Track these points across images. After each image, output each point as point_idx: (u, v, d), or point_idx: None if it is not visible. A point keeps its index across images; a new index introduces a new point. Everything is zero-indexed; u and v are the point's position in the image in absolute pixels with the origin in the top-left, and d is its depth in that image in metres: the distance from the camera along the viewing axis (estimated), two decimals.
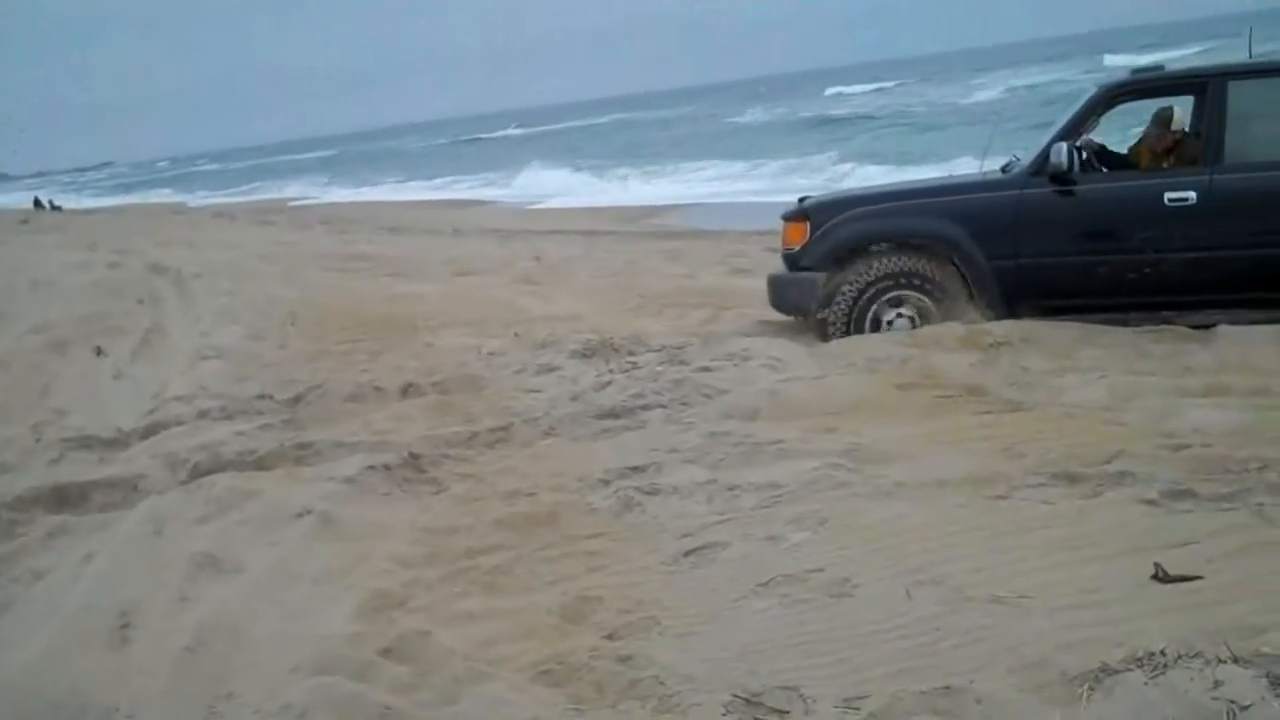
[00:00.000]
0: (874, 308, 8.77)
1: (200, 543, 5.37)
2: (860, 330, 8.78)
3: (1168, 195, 8.17)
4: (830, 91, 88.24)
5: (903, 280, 8.70)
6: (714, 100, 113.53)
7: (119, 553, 5.44)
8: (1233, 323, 7.86)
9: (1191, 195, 8.11)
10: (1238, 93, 8.28)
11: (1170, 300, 8.26)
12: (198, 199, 65.52)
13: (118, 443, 7.53)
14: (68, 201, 67.58)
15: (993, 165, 9.63)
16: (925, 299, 8.67)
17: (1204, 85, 8.56)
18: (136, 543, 5.54)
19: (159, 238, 25.51)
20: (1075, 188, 8.45)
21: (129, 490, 6.45)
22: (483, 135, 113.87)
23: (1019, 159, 9.14)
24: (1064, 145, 8.32)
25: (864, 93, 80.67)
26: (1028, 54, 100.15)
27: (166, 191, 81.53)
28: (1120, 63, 46.61)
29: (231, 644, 4.33)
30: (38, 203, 57.71)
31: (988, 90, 60.35)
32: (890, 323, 8.75)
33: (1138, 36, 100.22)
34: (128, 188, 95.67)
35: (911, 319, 8.69)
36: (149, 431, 7.68)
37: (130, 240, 25.13)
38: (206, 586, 4.93)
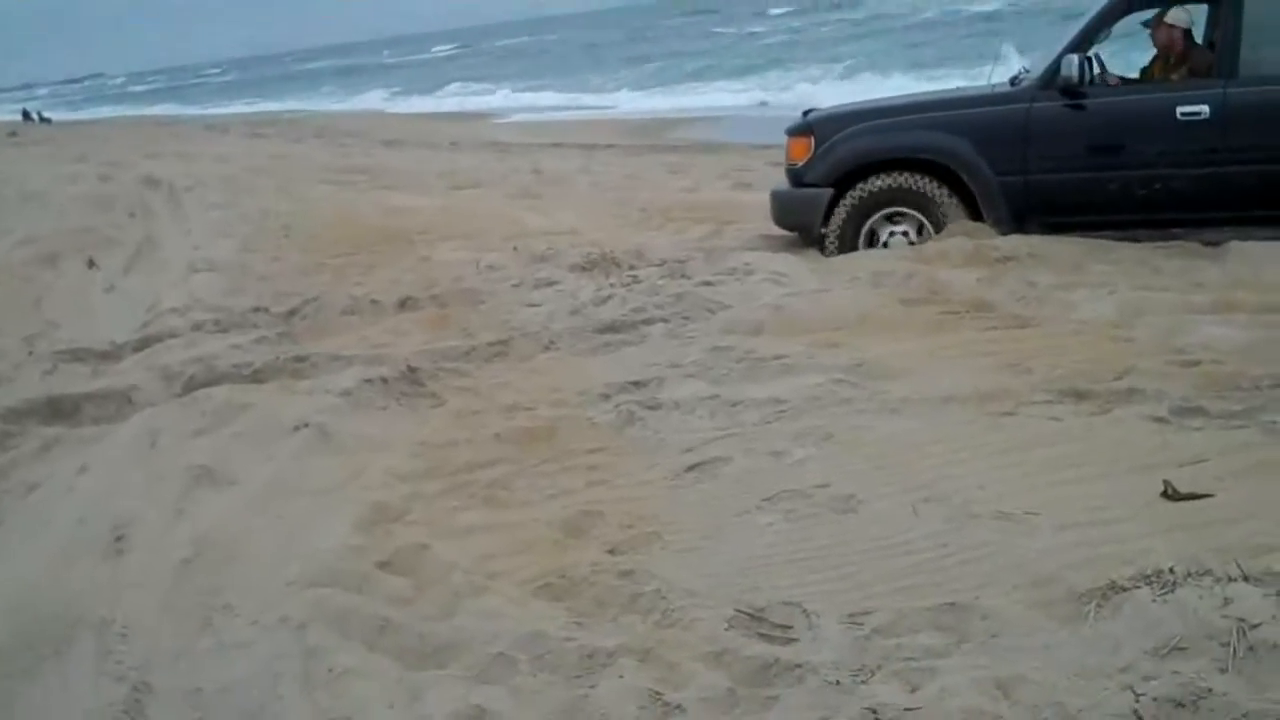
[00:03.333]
0: (873, 223, 8.73)
1: (195, 456, 5.35)
2: (855, 247, 8.74)
3: (1180, 109, 8.08)
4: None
5: (906, 196, 8.64)
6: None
7: (113, 465, 5.45)
8: (1243, 239, 7.81)
9: (1205, 109, 8.02)
10: (1254, 2, 8.15)
11: (1182, 216, 8.21)
12: (190, 111, 64.99)
13: (111, 355, 7.52)
14: (57, 114, 67.06)
15: (1000, 77, 9.51)
16: (928, 218, 8.61)
17: None
18: (131, 455, 5.54)
19: (150, 150, 25.29)
20: (1086, 101, 8.35)
21: (123, 403, 6.43)
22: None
23: (1028, 70, 9.03)
24: (1075, 57, 8.20)
25: None
26: None
27: (159, 105, 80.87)
28: None
29: (228, 557, 4.34)
30: (26, 115, 57.29)
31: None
32: (886, 242, 8.71)
33: None
34: (119, 99, 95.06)
35: (908, 235, 8.66)
36: (142, 344, 7.66)
37: (121, 153, 24.94)
38: (202, 499, 4.92)
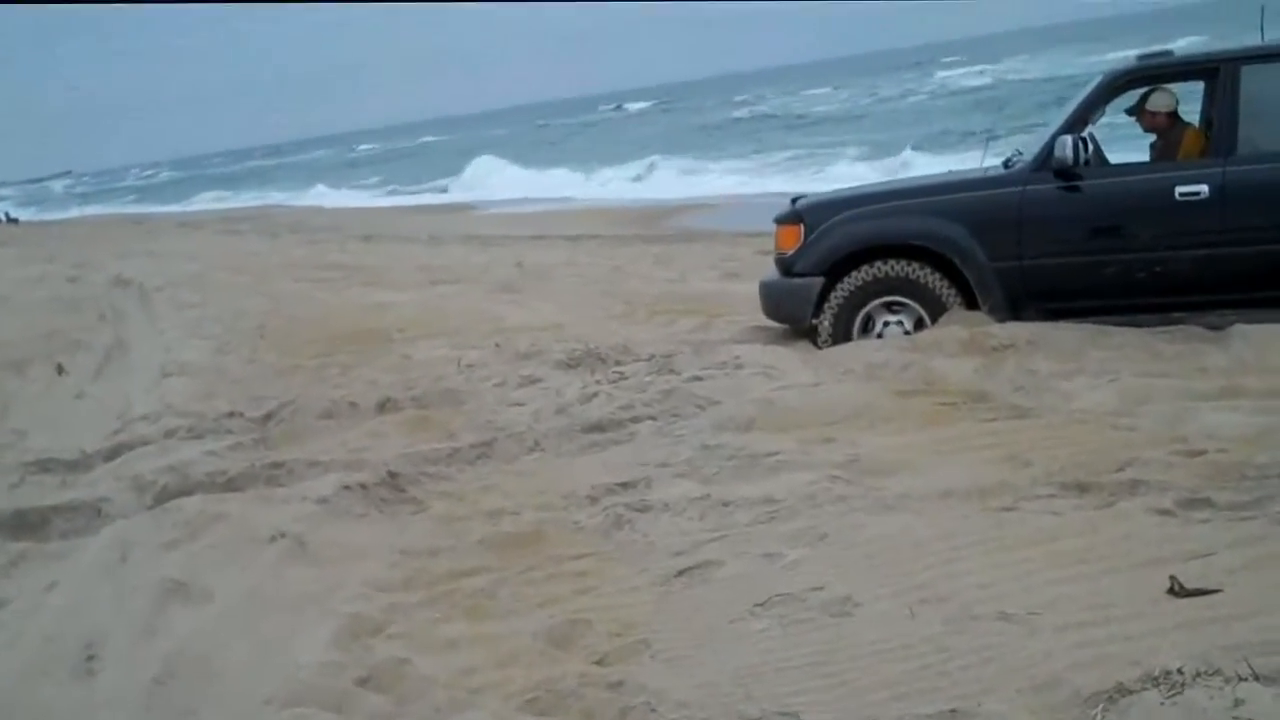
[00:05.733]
0: (868, 313, 8.79)
1: (168, 569, 5.34)
2: (849, 337, 8.80)
3: (1179, 189, 8.17)
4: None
5: (899, 284, 8.70)
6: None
7: (83, 581, 5.42)
8: (1248, 322, 7.86)
9: (1204, 189, 8.11)
10: (1252, 78, 8.25)
11: (1183, 300, 8.27)
12: (160, 209, 65.24)
13: (81, 465, 7.51)
14: (25, 213, 67.33)
15: (994, 160, 9.62)
16: (923, 305, 8.67)
17: (1215, 70, 8.55)
18: (101, 570, 5.52)
19: (121, 249, 25.46)
20: (1081, 183, 8.44)
21: (93, 515, 6.41)
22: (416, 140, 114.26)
23: (1021, 153, 9.13)
24: (1069, 138, 8.29)
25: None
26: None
27: (128, 200, 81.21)
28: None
29: (202, 675, 4.32)
30: None
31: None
32: (881, 333, 8.78)
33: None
34: (88, 198, 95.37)
35: (903, 325, 8.72)
36: (113, 453, 7.66)
37: (90, 253, 25.11)
38: (175, 615, 4.90)
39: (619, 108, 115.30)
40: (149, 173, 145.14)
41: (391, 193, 53.70)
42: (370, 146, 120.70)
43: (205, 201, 63.85)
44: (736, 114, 71.81)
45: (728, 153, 45.75)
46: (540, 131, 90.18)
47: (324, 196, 54.85)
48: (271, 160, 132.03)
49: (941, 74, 75.38)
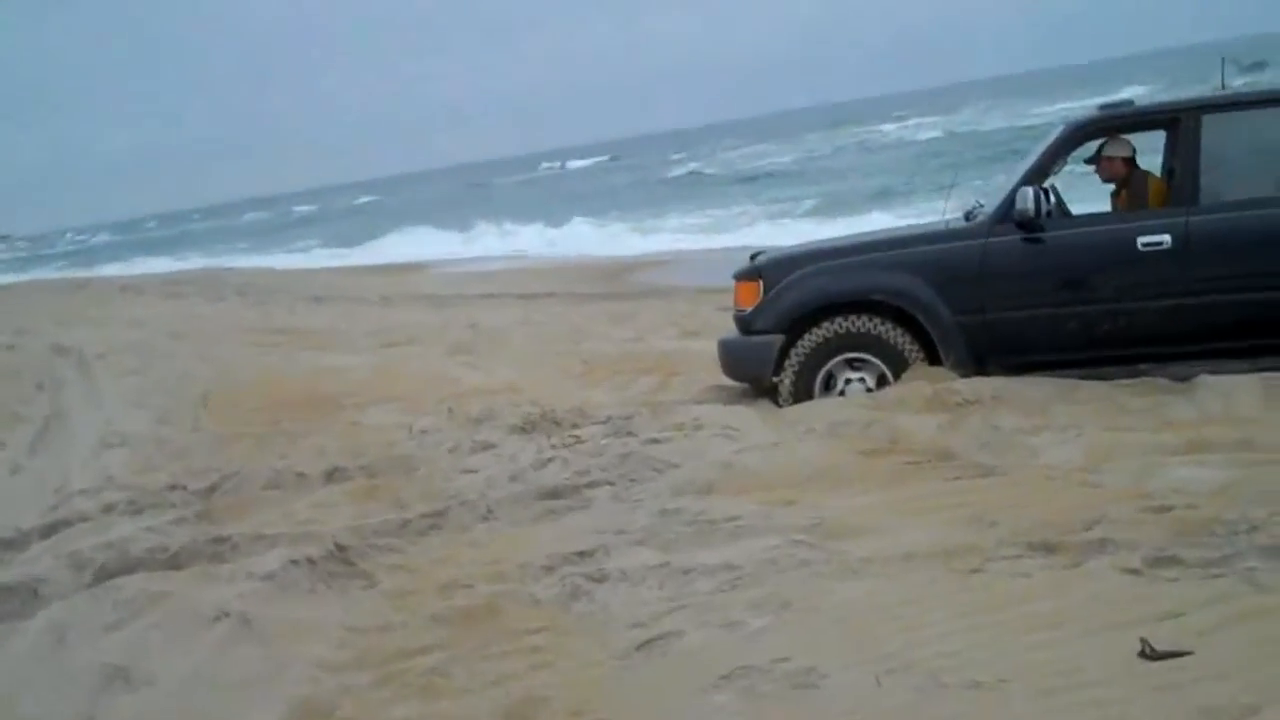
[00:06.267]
0: (829, 370, 8.81)
1: (109, 653, 5.27)
2: (810, 395, 8.82)
3: (1141, 240, 8.25)
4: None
5: (861, 340, 8.73)
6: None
7: (19, 666, 5.35)
8: (1213, 372, 7.93)
9: (1166, 239, 8.19)
10: (1212, 127, 8.36)
11: (1148, 351, 8.34)
12: (103, 271, 64.91)
13: (16, 543, 7.40)
14: None
15: (955, 213, 9.69)
16: (885, 361, 8.70)
17: (1176, 120, 8.65)
18: (38, 654, 5.44)
19: (60, 316, 25.24)
20: (1043, 234, 8.51)
21: (29, 596, 6.30)
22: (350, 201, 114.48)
23: (982, 205, 9.20)
24: (1030, 189, 8.36)
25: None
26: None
27: (64, 265, 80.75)
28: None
29: None
30: None
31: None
32: (843, 390, 8.80)
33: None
34: (24, 263, 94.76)
35: (865, 382, 8.74)
36: (50, 530, 7.55)
37: (28, 319, 24.87)
38: (115, 701, 4.84)
39: (562, 165, 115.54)
40: (83, 236, 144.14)
41: (333, 255, 53.57)
42: (307, 208, 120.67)
43: (148, 266, 63.45)
44: (675, 172, 72.12)
45: (672, 210, 45.95)
46: (472, 190, 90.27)
47: (272, 258, 54.74)
48: (211, 222, 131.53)
49: (889, 126, 76.00)
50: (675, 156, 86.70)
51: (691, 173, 68.54)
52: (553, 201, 60.42)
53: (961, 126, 61.86)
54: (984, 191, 10.59)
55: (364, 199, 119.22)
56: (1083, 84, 76.10)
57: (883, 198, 35.78)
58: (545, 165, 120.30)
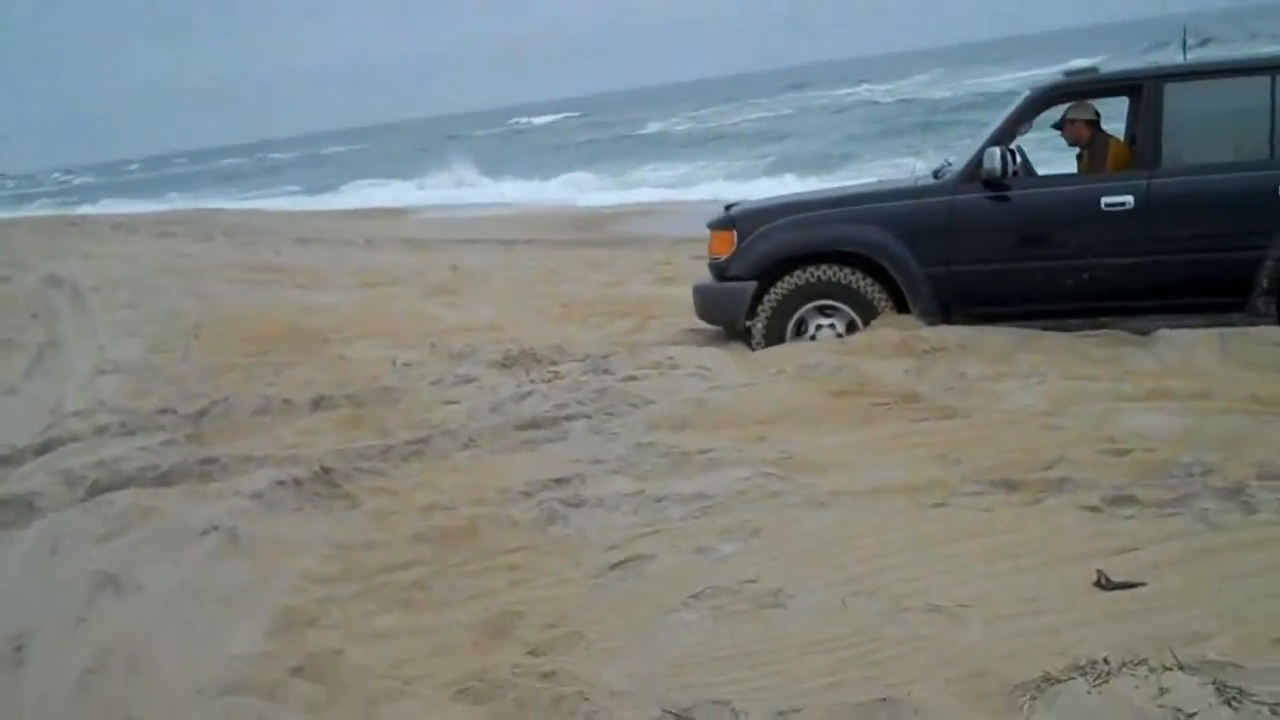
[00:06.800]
0: (800, 316, 8.82)
1: (99, 562, 5.26)
2: (781, 340, 8.83)
3: (1104, 200, 8.27)
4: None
5: (832, 289, 8.74)
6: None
7: (13, 573, 5.35)
8: (1172, 327, 7.97)
9: (1129, 200, 8.21)
10: (1174, 95, 8.38)
11: (1109, 306, 8.38)
12: (94, 209, 64.40)
13: (11, 460, 7.41)
14: None
15: (924, 170, 9.69)
16: (855, 309, 8.72)
17: (1139, 87, 8.67)
18: (32, 562, 5.45)
19: (54, 250, 25.09)
20: (1009, 193, 8.52)
21: (24, 508, 6.31)
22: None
23: (951, 164, 9.20)
24: (996, 150, 8.39)
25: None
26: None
27: (63, 204, 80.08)
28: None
29: (133, 666, 4.25)
30: None
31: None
32: (814, 336, 8.81)
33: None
34: (19, 200, 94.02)
35: (835, 328, 8.76)
36: (45, 448, 7.56)
37: (23, 253, 24.73)
38: (106, 607, 4.83)
39: (529, 122, 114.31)
40: (70, 176, 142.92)
41: (315, 200, 53.25)
42: (283, 155, 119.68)
43: (135, 207, 62.92)
44: (645, 129, 71.62)
45: (646, 164, 45.65)
46: (447, 143, 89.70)
47: (258, 202, 54.48)
48: (191, 167, 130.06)
49: (846, 90, 75.55)
50: (641, 115, 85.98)
51: (661, 130, 68.07)
52: (530, 154, 60.10)
53: (919, 93, 61.61)
54: (953, 152, 10.57)
55: (335, 149, 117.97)
56: (1039, 52, 76.29)
57: (847, 159, 35.64)
58: (516, 120, 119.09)
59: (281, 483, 6.19)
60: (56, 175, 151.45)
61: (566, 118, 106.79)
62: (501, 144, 79.18)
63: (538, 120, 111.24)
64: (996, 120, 9.03)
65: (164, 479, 6.63)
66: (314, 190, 57.63)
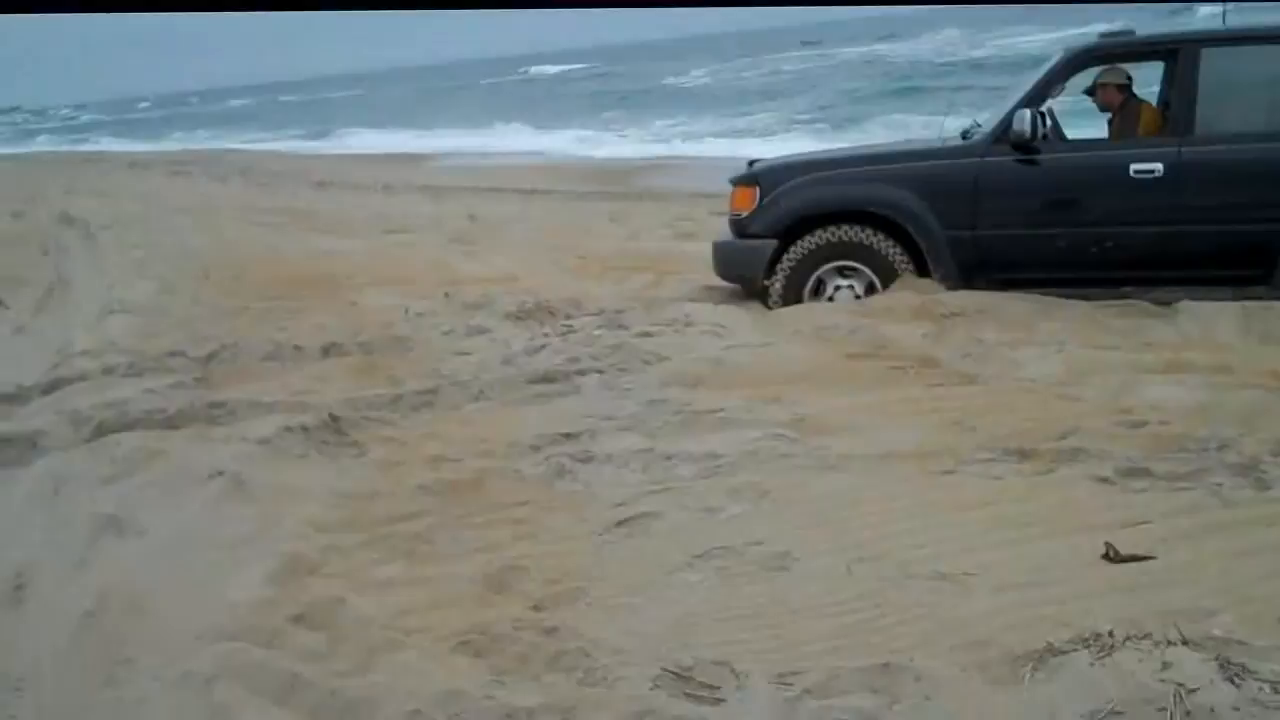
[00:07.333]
0: (819, 276, 8.82)
1: (103, 503, 5.31)
2: (800, 300, 8.83)
3: (1134, 167, 8.23)
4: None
5: (852, 249, 8.74)
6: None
7: (15, 511, 5.41)
8: (1195, 299, 7.95)
9: (1159, 167, 8.18)
10: (1211, 61, 8.32)
11: (1133, 275, 8.35)
12: (113, 147, 64.46)
13: (17, 398, 7.44)
14: None
15: (952, 130, 9.65)
16: (874, 270, 8.71)
17: (1175, 51, 8.61)
18: (34, 501, 5.51)
19: (68, 187, 25.18)
20: (1038, 157, 8.49)
21: (28, 447, 6.35)
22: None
23: (979, 125, 9.17)
24: (1027, 112, 8.35)
25: None
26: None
27: (80, 140, 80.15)
28: None
29: (132, 609, 4.28)
30: None
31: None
32: (832, 296, 8.81)
33: None
34: (36, 134, 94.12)
35: (854, 289, 8.75)
36: (51, 387, 7.59)
37: (37, 190, 24.83)
38: (107, 549, 4.87)
39: (539, 71, 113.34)
40: (81, 113, 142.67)
41: (327, 144, 53.22)
42: (291, 98, 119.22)
43: (150, 145, 62.91)
44: (670, 81, 71.14)
45: (670, 116, 45.37)
46: (460, 91, 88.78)
47: (274, 144, 54.56)
48: (207, 106, 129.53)
49: (863, 48, 74.87)
50: (657, 66, 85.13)
51: (678, 85, 67.47)
52: (544, 104, 59.87)
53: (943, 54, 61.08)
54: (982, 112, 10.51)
55: (342, 93, 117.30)
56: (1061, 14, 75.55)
57: (865, 118, 35.44)
58: (532, 69, 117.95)
59: (289, 429, 6.21)
60: (66, 111, 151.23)
61: (579, 69, 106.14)
62: (513, 92, 78.84)
63: (550, 69, 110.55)
64: (1027, 81, 8.98)
65: (171, 422, 6.65)
66: (317, 135, 57.59)
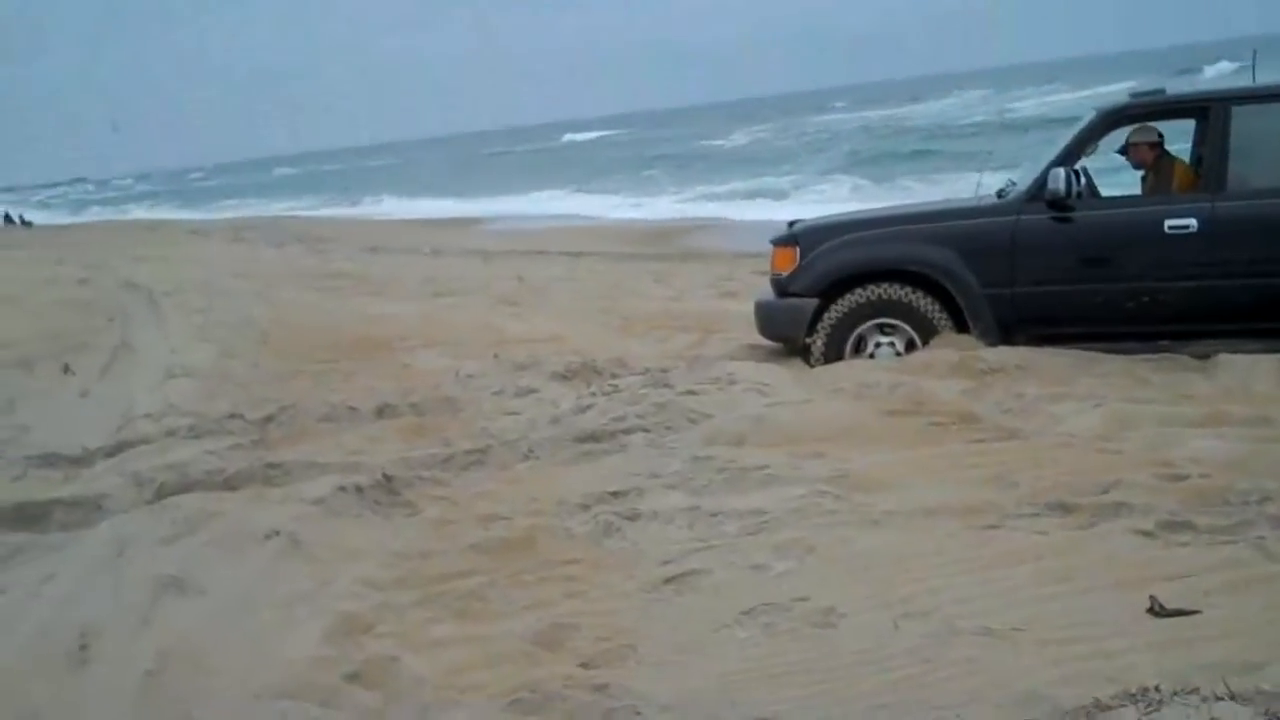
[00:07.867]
0: (860, 334, 8.79)
1: (164, 564, 5.31)
2: (841, 357, 8.80)
3: (1168, 223, 8.19)
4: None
5: (892, 307, 8.71)
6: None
7: (80, 573, 5.40)
8: (1232, 352, 7.88)
9: (1193, 223, 8.13)
10: (1241, 118, 8.29)
11: (1169, 329, 8.28)
12: (170, 214, 65.26)
13: (83, 461, 7.50)
14: (39, 217, 67.28)
15: (988, 189, 9.62)
16: (914, 327, 8.68)
17: (1206, 109, 8.58)
18: (98, 563, 5.50)
19: (131, 254, 25.45)
20: (1073, 214, 8.46)
21: (92, 509, 6.40)
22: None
23: (1014, 184, 9.14)
24: (1061, 170, 8.33)
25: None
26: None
27: (143, 209, 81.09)
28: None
29: (193, 668, 4.28)
30: (8, 218, 57.74)
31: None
32: (873, 354, 8.79)
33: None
34: (101, 204, 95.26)
35: (894, 346, 8.72)
36: (115, 450, 7.65)
37: (101, 257, 25.09)
38: (169, 609, 4.87)
39: (564, 138, 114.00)
40: (143, 185, 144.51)
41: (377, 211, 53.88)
42: (333, 167, 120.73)
43: (209, 213, 63.67)
44: (712, 143, 71.49)
45: (708, 181, 45.58)
46: (496, 159, 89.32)
47: (326, 211, 55.26)
48: (248, 177, 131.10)
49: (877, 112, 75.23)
50: (692, 131, 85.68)
51: (718, 146, 67.85)
52: (590, 166, 60.37)
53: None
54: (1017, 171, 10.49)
55: (379, 162, 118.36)
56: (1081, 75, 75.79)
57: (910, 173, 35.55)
58: (566, 136, 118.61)
59: (344, 489, 6.22)
60: (127, 181, 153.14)
61: (615, 134, 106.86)
62: (553, 157, 79.34)
63: (586, 136, 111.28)
64: (1062, 141, 8.96)
65: (230, 483, 6.69)
66: (359, 202, 58.28)
